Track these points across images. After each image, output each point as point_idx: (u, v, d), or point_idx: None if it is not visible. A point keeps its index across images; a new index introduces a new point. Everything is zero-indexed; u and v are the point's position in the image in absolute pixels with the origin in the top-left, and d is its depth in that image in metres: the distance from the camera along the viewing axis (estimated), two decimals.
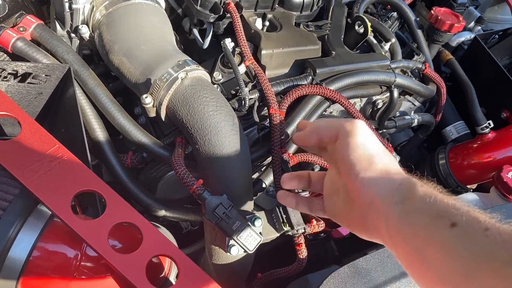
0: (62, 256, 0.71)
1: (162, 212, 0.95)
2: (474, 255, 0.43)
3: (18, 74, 0.85)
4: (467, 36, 1.54)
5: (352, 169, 0.56)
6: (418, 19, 1.41)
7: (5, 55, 0.90)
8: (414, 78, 1.25)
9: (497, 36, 1.58)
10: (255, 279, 1.02)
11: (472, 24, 1.61)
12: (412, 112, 1.34)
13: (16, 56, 0.89)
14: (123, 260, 0.67)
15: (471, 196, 1.24)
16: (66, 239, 0.71)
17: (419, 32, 1.36)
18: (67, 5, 0.92)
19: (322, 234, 1.18)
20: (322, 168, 1.10)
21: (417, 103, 1.38)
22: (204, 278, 0.70)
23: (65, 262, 0.70)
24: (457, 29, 1.33)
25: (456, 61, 1.44)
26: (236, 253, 0.81)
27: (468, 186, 1.39)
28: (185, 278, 0.69)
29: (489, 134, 1.34)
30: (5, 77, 0.84)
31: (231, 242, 0.80)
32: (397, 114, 1.33)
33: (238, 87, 0.96)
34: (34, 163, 0.69)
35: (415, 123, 1.30)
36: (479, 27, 1.60)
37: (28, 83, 0.85)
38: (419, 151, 1.57)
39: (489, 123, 1.34)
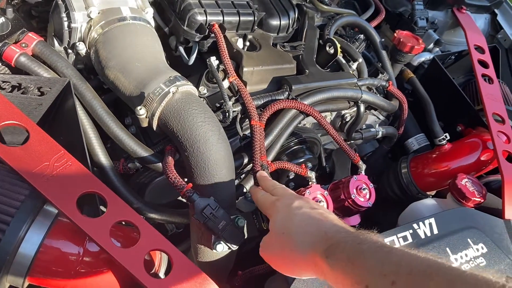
0: (66, 251, 0.79)
1: (151, 215, 1.03)
2: None
3: (21, 87, 0.93)
4: (427, 56, 1.70)
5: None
6: (383, 40, 1.55)
7: (7, 69, 0.97)
8: (378, 95, 1.38)
9: (453, 57, 1.75)
10: (236, 276, 1.11)
11: (431, 45, 1.77)
12: (377, 125, 1.47)
13: (19, 70, 0.96)
14: (124, 253, 0.75)
15: (430, 201, 1.37)
16: (70, 237, 0.79)
17: (384, 53, 1.50)
18: (66, 24, 1.00)
19: None
20: (297, 175, 1.20)
21: (381, 117, 1.51)
22: (195, 271, 0.79)
23: (69, 257, 0.78)
24: (417, 50, 1.48)
25: (417, 79, 1.59)
26: (221, 249, 0.90)
27: (428, 193, 1.53)
28: (178, 270, 0.78)
29: (446, 146, 1.48)
30: (9, 89, 0.92)
31: (217, 239, 0.90)
32: (364, 126, 1.46)
33: (222, 101, 1.06)
34: (42, 167, 0.77)
35: (380, 135, 1.43)
36: (437, 49, 1.76)
37: (30, 95, 0.93)
38: (384, 161, 1.71)
39: (445, 136, 1.48)
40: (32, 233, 0.74)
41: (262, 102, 1.11)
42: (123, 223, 0.81)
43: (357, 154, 1.27)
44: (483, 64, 1.61)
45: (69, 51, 1.06)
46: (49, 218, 0.77)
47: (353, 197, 1.10)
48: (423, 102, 1.55)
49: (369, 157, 1.63)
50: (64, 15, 1.00)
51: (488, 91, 1.52)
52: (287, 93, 1.14)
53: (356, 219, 1.21)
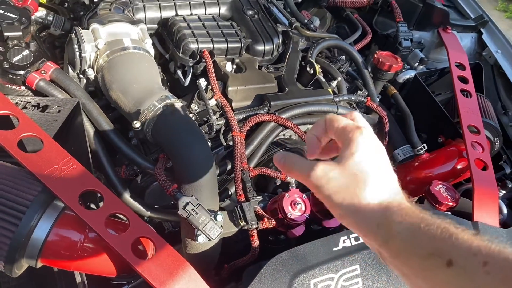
0: (70, 238, 0.97)
1: (148, 213, 1.21)
2: None
3: (40, 106, 1.13)
4: (411, 74, 1.83)
5: (332, 201, 0.58)
6: (367, 61, 1.71)
7: (30, 91, 1.18)
8: (358, 110, 1.53)
9: (437, 74, 1.88)
10: (223, 269, 1.26)
11: (416, 64, 1.91)
12: None
13: (38, 93, 1.17)
14: (115, 239, 0.92)
15: None
16: (73, 226, 0.97)
17: (366, 72, 1.65)
18: (77, 54, 1.21)
19: (282, 236, 1.43)
20: (283, 182, 1.35)
21: None
22: (175, 255, 0.95)
23: (72, 242, 0.96)
24: (396, 69, 1.62)
25: (399, 95, 1.73)
26: (202, 241, 1.06)
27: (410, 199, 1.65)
28: (160, 254, 0.94)
29: (424, 155, 1.60)
30: (30, 108, 1.12)
31: (198, 232, 1.06)
32: None
33: (208, 115, 1.24)
34: (52, 169, 0.96)
35: None
36: (422, 66, 1.90)
37: (47, 112, 1.13)
38: None
39: (423, 146, 1.61)
40: (43, 221, 0.92)
41: (244, 116, 1.28)
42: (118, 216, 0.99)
43: None
44: (463, 80, 1.73)
45: (81, 76, 1.26)
46: (57, 210, 0.95)
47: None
48: (404, 115, 1.69)
49: None
50: (76, 46, 1.21)
51: (465, 105, 1.64)
52: (267, 108, 1.31)
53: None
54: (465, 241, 0.47)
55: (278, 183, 1.40)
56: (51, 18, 1.51)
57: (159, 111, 1.11)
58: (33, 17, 1.49)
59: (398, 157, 1.73)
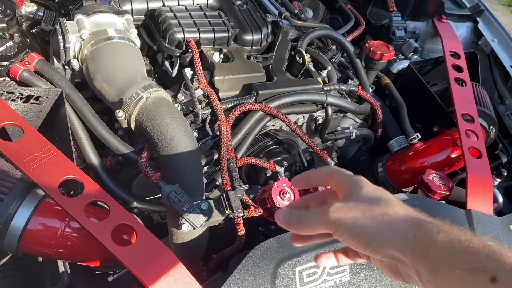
0: (50, 225, 0.96)
1: (134, 204, 1.20)
2: None
3: (23, 96, 1.13)
4: (406, 64, 1.81)
5: (354, 233, 0.54)
6: (362, 52, 1.68)
7: (14, 82, 1.18)
8: (349, 99, 1.51)
9: (431, 64, 1.85)
10: (211, 259, 1.25)
11: (411, 54, 1.88)
12: (352, 127, 1.60)
13: (22, 83, 1.16)
14: (95, 226, 0.91)
15: (401, 196, 1.46)
16: (54, 214, 0.96)
17: (357, 61, 1.63)
18: (61, 44, 1.21)
19: (272, 226, 1.41)
20: (274, 173, 1.33)
21: (358, 120, 1.64)
22: (156, 242, 0.94)
23: (53, 230, 0.95)
24: (388, 57, 1.60)
25: (392, 85, 1.71)
26: (186, 229, 1.05)
27: (405, 190, 1.63)
28: (141, 241, 0.93)
29: (417, 144, 1.58)
30: (14, 99, 1.12)
31: (182, 220, 1.05)
32: (339, 129, 1.58)
33: (194, 105, 1.23)
34: (32, 157, 0.95)
35: (354, 136, 1.55)
36: (416, 56, 1.88)
37: (31, 103, 1.12)
38: (368, 162, 1.81)
39: (417, 135, 1.58)
40: (22, 209, 0.92)
41: (230, 105, 1.27)
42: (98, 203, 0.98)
43: (325, 152, 1.40)
44: (457, 68, 1.71)
45: (66, 67, 1.26)
46: (37, 198, 0.95)
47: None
48: (397, 105, 1.67)
49: (351, 159, 1.75)
50: (60, 37, 1.20)
51: (459, 94, 1.62)
52: (254, 97, 1.30)
53: None
54: (510, 257, 0.45)
55: (269, 174, 1.39)
56: (41, 14, 1.51)
57: (142, 100, 1.10)
58: (23, 11, 1.49)
59: (393, 148, 1.71)
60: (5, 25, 1.20)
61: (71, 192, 1.07)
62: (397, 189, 1.60)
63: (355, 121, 1.63)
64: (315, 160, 1.65)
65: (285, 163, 1.40)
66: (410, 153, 1.61)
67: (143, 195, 1.28)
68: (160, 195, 1.32)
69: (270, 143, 1.37)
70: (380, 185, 1.62)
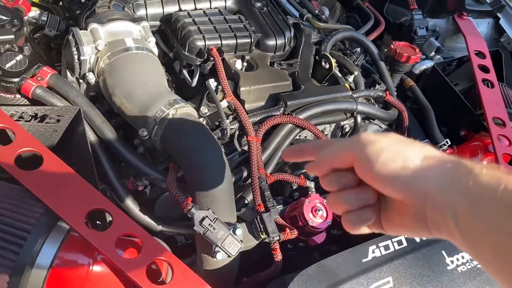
0: (78, 262, 0.87)
1: (159, 228, 1.12)
2: None
3: (37, 116, 1.03)
4: (428, 64, 1.73)
5: (386, 175, 0.48)
6: (385, 50, 1.60)
7: (26, 100, 1.09)
8: (376, 105, 1.43)
9: (454, 64, 1.78)
10: (242, 283, 1.17)
11: (432, 53, 1.81)
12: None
13: (35, 101, 1.07)
14: (128, 263, 0.83)
15: None
16: (81, 248, 0.88)
17: (382, 64, 1.55)
18: (76, 57, 1.11)
19: (301, 243, 1.34)
20: (300, 186, 1.26)
21: (383, 126, 1.56)
22: (194, 278, 0.87)
23: (80, 267, 0.87)
24: (414, 60, 1.52)
25: (417, 87, 1.63)
26: (221, 258, 0.97)
27: None
28: (178, 277, 0.85)
29: (447, 151, 1.51)
30: (27, 119, 1.03)
31: (217, 248, 0.97)
32: None
33: (221, 119, 1.14)
34: (55, 187, 0.87)
35: None
36: (439, 56, 1.80)
37: (45, 122, 1.03)
38: None
39: (446, 141, 1.51)
40: (47, 246, 0.83)
41: (259, 118, 1.19)
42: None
43: None
44: (484, 69, 1.64)
45: (80, 81, 1.16)
46: (62, 233, 0.86)
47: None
48: (424, 109, 1.59)
49: None
50: (74, 49, 1.11)
51: (488, 96, 1.55)
52: (282, 108, 1.22)
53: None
54: None
55: (294, 187, 1.32)
56: (45, 18, 1.41)
57: (168, 118, 1.01)
58: (25, 17, 1.39)
59: None
60: (12, 36, 1.10)
61: (97, 222, 0.98)
62: None
63: (380, 126, 1.56)
64: None
65: (311, 175, 1.32)
66: None
67: (165, 214, 1.20)
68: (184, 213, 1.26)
69: None
70: None
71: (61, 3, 1.60)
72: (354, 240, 1.34)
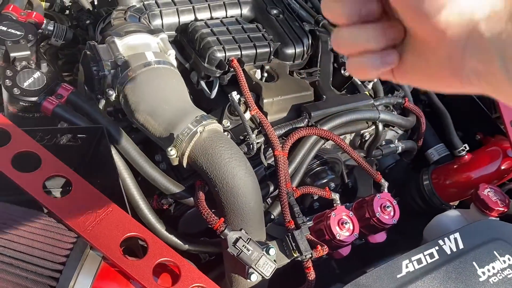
0: None
1: (186, 247, 1.09)
2: None
3: (59, 136, 1.00)
4: None
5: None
6: None
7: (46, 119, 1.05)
8: (395, 112, 1.41)
9: None
10: None
11: None
12: (396, 140, 1.50)
13: (55, 120, 1.03)
14: None
15: (454, 213, 1.39)
16: (116, 277, 0.85)
17: None
18: (95, 72, 1.07)
19: (325, 256, 1.32)
20: (320, 197, 1.24)
21: (400, 131, 1.54)
22: None
23: None
24: None
25: (433, 92, 1.61)
26: (255, 279, 0.95)
27: (451, 203, 1.55)
28: None
29: (466, 156, 1.50)
30: (49, 140, 0.99)
31: (251, 270, 0.94)
32: (383, 142, 1.49)
33: (245, 133, 1.11)
34: (86, 215, 0.83)
35: (400, 150, 1.46)
36: None
37: (68, 143, 1.00)
38: (405, 172, 1.73)
39: (465, 147, 1.50)
40: (81, 278, 0.80)
41: (284, 131, 1.16)
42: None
43: (379, 172, 1.30)
44: None
45: (99, 96, 1.12)
46: (96, 262, 0.83)
47: (377, 216, 1.13)
48: (440, 114, 1.58)
49: (390, 170, 1.66)
50: (93, 64, 1.07)
51: None
52: (306, 120, 1.19)
53: (382, 236, 1.24)
54: None
55: (315, 197, 1.30)
56: (51, 28, 1.36)
57: (196, 135, 0.98)
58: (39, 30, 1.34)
59: (432, 157, 1.62)
60: (29, 52, 1.05)
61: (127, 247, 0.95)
62: (445, 203, 1.52)
63: (396, 132, 1.54)
64: (356, 176, 1.56)
65: (332, 185, 1.30)
66: (456, 165, 1.53)
67: (188, 231, 1.17)
68: (206, 228, 1.23)
69: (315, 164, 1.27)
70: (426, 199, 1.56)
71: (67, 11, 1.55)
72: (370, 249, 1.34)
